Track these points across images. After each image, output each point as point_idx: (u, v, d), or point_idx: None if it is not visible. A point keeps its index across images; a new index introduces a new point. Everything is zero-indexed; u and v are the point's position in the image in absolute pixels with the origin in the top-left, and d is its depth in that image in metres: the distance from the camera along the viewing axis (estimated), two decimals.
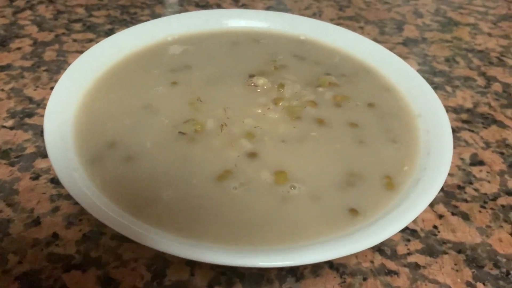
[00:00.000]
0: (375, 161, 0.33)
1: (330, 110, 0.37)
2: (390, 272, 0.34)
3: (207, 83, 0.39)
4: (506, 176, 0.43)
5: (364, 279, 0.34)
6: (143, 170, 0.31)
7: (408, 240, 0.37)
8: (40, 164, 0.41)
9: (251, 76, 0.40)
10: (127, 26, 0.62)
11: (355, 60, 0.44)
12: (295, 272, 0.33)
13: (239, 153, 0.33)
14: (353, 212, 0.29)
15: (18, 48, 0.56)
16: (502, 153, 0.46)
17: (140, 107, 0.36)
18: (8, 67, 0.53)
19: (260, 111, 0.36)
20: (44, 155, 0.42)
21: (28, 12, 0.64)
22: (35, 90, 0.49)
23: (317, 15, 0.69)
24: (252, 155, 0.33)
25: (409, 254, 0.36)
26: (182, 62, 0.42)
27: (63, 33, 0.60)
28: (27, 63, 0.54)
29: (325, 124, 0.36)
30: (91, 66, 0.39)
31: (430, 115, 0.36)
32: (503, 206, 0.40)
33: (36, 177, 0.39)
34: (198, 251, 0.25)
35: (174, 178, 0.30)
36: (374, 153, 0.34)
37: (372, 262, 0.35)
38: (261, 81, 0.38)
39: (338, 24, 0.66)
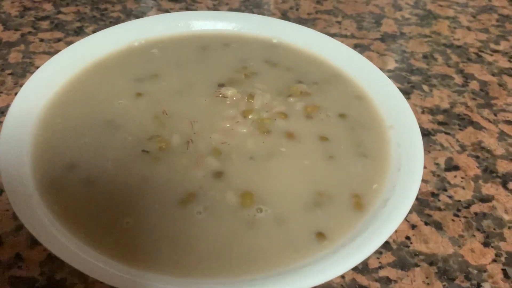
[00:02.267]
0: (344, 178, 0.32)
1: (301, 122, 0.36)
2: None
3: (174, 94, 0.38)
4: (481, 182, 0.43)
5: None
6: (103, 194, 0.30)
7: (380, 253, 0.36)
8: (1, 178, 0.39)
9: (221, 85, 0.39)
10: (97, 24, 0.60)
11: (328, 65, 0.43)
12: None
13: (205, 173, 0.31)
14: (320, 236, 0.29)
15: None
16: (477, 157, 0.46)
17: (102, 123, 0.35)
18: None
19: (228, 125, 0.35)
20: None
21: None
22: None
23: (294, 9, 0.67)
24: (218, 174, 0.32)
25: (380, 267, 0.35)
26: (148, 70, 0.40)
27: (30, 32, 0.57)
28: None
29: (295, 138, 0.35)
30: (53, 77, 0.37)
31: (402, 126, 0.35)
32: (476, 213, 0.40)
33: None
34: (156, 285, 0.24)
35: (135, 204, 0.29)
36: (343, 170, 0.33)
37: (343, 277, 0.34)
38: (230, 92, 0.37)
39: (315, 19, 0.65)
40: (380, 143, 0.35)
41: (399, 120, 0.36)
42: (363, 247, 0.26)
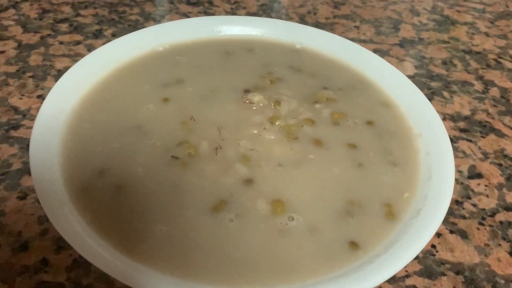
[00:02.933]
0: (375, 186, 0.32)
1: (328, 129, 0.36)
2: None
3: (200, 99, 0.37)
4: (505, 190, 0.43)
5: None
6: (135, 201, 0.30)
7: None
8: (27, 182, 0.39)
9: (246, 91, 0.39)
10: (116, 27, 0.60)
11: (352, 71, 0.42)
12: None
13: (234, 180, 0.31)
14: (353, 245, 0.28)
15: (2, 52, 0.54)
16: (500, 165, 0.45)
17: (130, 128, 0.34)
18: None
19: (256, 131, 0.35)
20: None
21: (12, 11, 0.61)
22: (20, 99, 0.48)
23: (311, 13, 0.67)
24: (248, 181, 0.31)
25: (407, 276, 0.35)
26: (174, 75, 0.40)
27: (49, 35, 0.57)
28: (12, 68, 0.52)
29: (323, 145, 0.35)
30: (79, 82, 0.37)
31: (431, 135, 0.35)
32: (501, 222, 0.40)
33: (23, 197, 0.38)
34: None
35: (167, 210, 0.29)
36: (373, 178, 0.33)
37: None
38: (256, 98, 0.37)
39: (333, 24, 0.64)
40: (409, 151, 0.35)
41: (427, 128, 0.36)
42: (398, 257, 0.26)
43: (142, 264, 0.26)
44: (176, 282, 0.25)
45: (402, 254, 0.26)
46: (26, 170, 0.40)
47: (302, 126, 0.36)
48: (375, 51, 0.60)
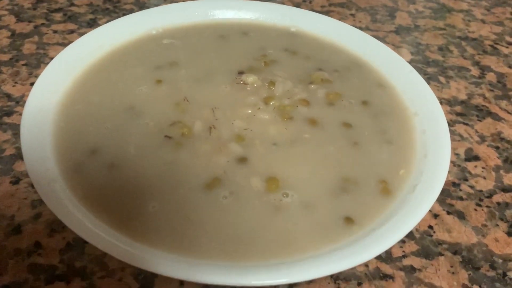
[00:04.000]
0: (370, 164, 0.32)
1: (323, 109, 0.36)
2: (385, 276, 0.33)
3: (194, 81, 0.37)
4: (502, 172, 0.43)
5: (359, 284, 0.33)
6: (127, 179, 0.29)
7: (403, 242, 0.36)
8: (20, 167, 0.39)
9: (240, 73, 0.38)
10: (110, 16, 0.59)
11: (347, 53, 0.42)
12: None
13: (228, 159, 0.31)
14: (349, 220, 0.28)
15: None
16: (497, 147, 0.45)
17: (123, 109, 0.34)
18: None
19: (250, 111, 0.35)
20: None
21: (5, 1, 0.61)
22: (14, 86, 0.47)
23: (307, 1, 0.67)
24: (242, 160, 0.31)
25: (404, 256, 0.35)
26: (167, 58, 0.40)
27: (43, 24, 0.57)
28: (5, 57, 0.51)
29: (318, 124, 0.34)
30: (71, 65, 0.37)
31: (426, 113, 0.35)
32: (498, 203, 0.40)
33: (16, 181, 0.38)
34: (184, 270, 0.24)
35: (160, 188, 0.29)
36: (368, 156, 0.32)
37: (367, 266, 0.34)
38: (250, 78, 0.37)
39: (329, 12, 0.64)
40: (405, 130, 0.34)
41: (423, 107, 0.35)
42: (394, 230, 0.26)
43: (134, 240, 0.26)
44: (170, 257, 0.25)
45: (398, 228, 0.26)
46: (19, 155, 0.40)
47: (297, 106, 0.36)
48: None
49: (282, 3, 0.65)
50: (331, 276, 0.33)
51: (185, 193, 0.29)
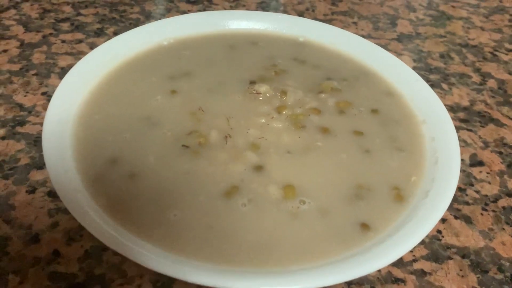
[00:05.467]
0: (382, 171, 0.33)
1: (334, 118, 0.37)
2: (397, 280, 0.34)
3: (207, 91, 0.38)
4: (506, 177, 0.44)
5: None
6: (148, 188, 0.30)
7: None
8: (35, 176, 0.39)
9: (252, 82, 0.39)
10: (117, 25, 0.60)
11: (355, 62, 0.43)
12: None
13: (245, 167, 0.32)
14: (364, 227, 0.29)
15: (5, 51, 0.54)
16: (500, 153, 0.46)
17: (140, 119, 0.35)
18: None
19: (263, 120, 0.35)
20: (39, 166, 0.40)
21: (13, 11, 0.62)
22: (25, 96, 0.48)
23: (310, 10, 0.68)
24: (258, 168, 0.32)
25: (414, 260, 0.36)
26: (181, 68, 0.40)
27: (51, 34, 0.58)
28: (15, 67, 0.52)
29: (330, 132, 0.35)
30: (86, 76, 0.38)
31: (434, 121, 0.36)
32: (504, 208, 0.41)
33: (32, 191, 0.38)
34: (205, 275, 0.25)
35: (181, 196, 0.30)
36: (380, 163, 0.33)
37: (379, 270, 0.35)
38: (263, 88, 0.38)
39: (331, 20, 0.65)
40: (414, 137, 0.35)
41: (431, 114, 0.37)
42: (410, 236, 0.27)
43: (159, 248, 0.27)
44: (191, 263, 0.26)
45: (414, 233, 0.27)
46: (33, 164, 0.40)
47: (309, 115, 0.36)
48: None
49: (286, 11, 0.66)
50: None
51: (205, 201, 0.30)
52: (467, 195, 0.42)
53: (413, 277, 0.35)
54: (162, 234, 0.28)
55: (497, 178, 0.44)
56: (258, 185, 0.31)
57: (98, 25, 0.60)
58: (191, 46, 0.43)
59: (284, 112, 0.36)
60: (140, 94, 0.37)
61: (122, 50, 0.41)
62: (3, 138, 0.43)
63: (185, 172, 0.31)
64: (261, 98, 0.37)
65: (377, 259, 0.26)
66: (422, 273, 0.35)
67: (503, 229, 0.39)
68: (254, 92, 0.37)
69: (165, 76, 0.39)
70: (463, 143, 0.47)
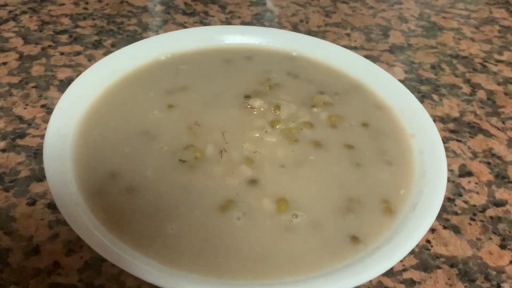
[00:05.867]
0: (372, 184, 0.34)
1: (326, 131, 0.38)
2: None
3: (203, 105, 0.39)
4: (494, 187, 0.45)
5: None
6: (146, 201, 0.31)
7: None
8: (35, 188, 0.40)
9: (247, 97, 0.40)
10: (115, 37, 0.61)
11: (346, 76, 0.44)
12: None
13: (240, 181, 0.33)
14: (355, 239, 0.30)
15: (4, 63, 0.55)
16: (489, 163, 0.48)
17: (138, 134, 0.36)
18: None
19: (258, 134, 0.37)
20: (39, 178, 0.41)
21: (12, 23, 0.63)
22: (25, 108, 0.49)
23: (304, 22, 0.69)
24: (253, 182, 0.33)
25: (404, 270, 0.37)
26: (177, 83, 0.42)
27: (50, 46, 0.59)
28: (15, 79, 0.53)
29: (322, 146, 0.36)
30: (86, 91, 0.39)
31: (423, 135, 0.37)
32: (491, 217, 0.42)
33: (32, 203, 0.39)
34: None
35: (178, 210, 0.31)
36: (370, 176, 0.35)
37: (369, 280, 0.36)
38: (257, 103, 0.39)
39: (325, 32, 0.67)
40: (403, 151, 0.37)
41: (419, 128, 0.38)
42: (399, 248, 0.28)
43: (157, 261, 0.28)
44: (187, 276, 0.27)
45: (402, 245, 0.28)
46: (34, 177, 0.41)
47: (302, 129, 0.38)
48: (366, 57, 0.61)
49: (280, 23, 0.68)
50: None
51: (201, 214, 0.31)
52: (455, 205, 0.43)
53: (403, 286, 0.36)
54: (159, 247, 0.29)
55: (485, 188, 0.45)
56: (253, 199, 0.32)
57: (96, 37, 0.61)
58: (187, 61, 0.44)
59: (277, 126, 0.37)
60: (138, 109, 0.38)
61: (121, 65, 0.42)
62: (4, 150, 0.44)
63: (181, 186, 0.32)
64: (255, 113, 0.39)
65: (367, 270, 0.27)
66: (411, 283, 0.36)
67: (490, 238, 0.40)
68: (249, 106, 0.39)
69: (163, 91, 0.40)
70: (453, 154, 0.48)
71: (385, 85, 0.42)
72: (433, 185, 0.32)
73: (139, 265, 0.26)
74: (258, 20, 0.68)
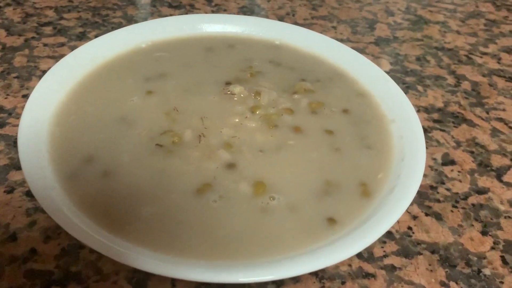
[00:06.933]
0: (351, 168, 0.34)
1: (306, 118, 0.38)
2: (368, 275, 0.35)
3: (183, 92, 0.39)
4: (476, 175, 0.45)
5: (343, 282, 0.34)
6: (121, 185, 0.31)
7: (384, 242, 0.38)
8: (14, 176, 0.40)
9: (228, 83, 0.40)
10: (99, 29, 0.61)
11: (329, 64, 0.44)
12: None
13: (217, 165, 0.33)
14: (331, 221, 0.30)
15: None
16: (472, 152, 0.48)
17: (115, 119, 0.36)
18: None
19: (237, 120, 0.36)
20: (18, 167, 0.41)
21: None
22: (6, 98, 0.48)
23: (290, 15, 0.69)
24: (230, 166, 0.33)
25: (385, 256, 0.37)
26: (157, 70, 0.41)
27: (33, 37, 0.58)
28: None
29: (302, 131, 0.36)
30: (64, 77, 0.38)
31: (403, 120, 0.37)
32: (473, 205, 0.42)
33: (10, 191, 0.39)
34: (177, 268, 0.25)
35: (153, 193, 0.30)
36: (349, 161, 0.34)
37: (350, 265, 0.36)
38: (237, 89, 0.38)
39: (311, 24, 0.67)
40: (383, 136, 0.37)
41: (400, 114, 0.38)
42: (374, 229, 0.28)
43: (130, 243, 0.27)
44: (163, 258, 0.27)
45: (377, 227, 0.28)
46: (12, 165, 0.41)
47: (282, 115, 0.37)
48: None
49: (267, 16, 0.67)
50: (316, 276, 0.34)
51: (177, 198, 0.30)
52: (438, 193, 0.43)
53: (383, 272, 0.36)
54: (134, 229, 0.28)
55: (468, 176, 0.45)
56: (230, 182, 0.32)
57: (81, 29, 0.61)
58: (168, 49, 0.44)
59: (257, 112, 0.37)
60: (116, 95, 0.38)
61: (101, 52, 0.42)
62: None
63: (158, 171, 0.32)
64: (235, 99, 0.38)
65: (342, 250, 0.27)
66: (392, 268, 0.36)
67: (472, 225, 0.40)
68: (229, 92, 0.38)
69: (142, 78, 0.40)
70: (436, 143, 0.48)
71: (366, 72, 0.42)
72: (411, 168, 0.32)
73: (113, 248, 0.26)
74: (244, 13, 0.68)
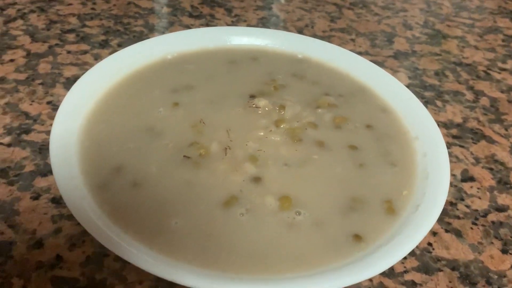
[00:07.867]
0: (375, 185, 0.34)
1: (330, 132, 0.38)
2: None
3: (208, 104, 0.39)
4: (496, 192, 0.45)
5: None
6: (151, 196, 0.31)
7: (405, 258, 0.38)
8: (40, 183, 0.41)
9: (252, 96, 0.41)
10: (121, 37, 0.62)
11: (351, 80, 0.45)
12: None
13: (243, 178, 0.33)
14: (357, 238, 0.30)
15: (11, 60, 0.56)
16: (491, 169, 0.48)
17: (143, 130, 0.36)
18: (2, 80, 0.52)
19: (262, 133, 0.37)
20: (43, 173, 0.42)
21: (20, 21, 0.63)
22: (31, 104, 0.49)
23: (309, 26, 0.70)
24: (256, 179, 0.33)
25: (405, 272, 0.37)
26: (182, 81, 0.42)
27: (57, 44, 0.59)
28: (22, 76, 0.53)
29: (326, 146, 0.37)
30: (92, 88, 0.39)
31: (427, 138, 0.37)
32: (493, 222, 0.42)
33: (36, 197, 0.39)
34: (208, 281, 0.26)
35: (182, 205, 0.31)
36: (373, 177, 0.35)
37: (371, 280, 0.36)
38: (262, 102, 0.39)
39: (330, 36, 0.67)
40: (407, 153, 0.37)
41: (423, 131, 0.38)
42: (399, 247, 0.28)
43: (160, 254, 0.28)
44: (192, 270, 0.27)
45: (403, 245, 0.28)
46: (38, 171, 0.42)
47: (306, 129, 0.38)
48: None
49: (286, 27, 0.68)
50: None
51: (205, 210, 0.31)
52: (458, 209, 0.43)
53: (404, 287, 0.36)
54: (163, 241, 0.29)
55: (487, 193, 0.45)
56: (256, 196, 0.32)
57: (103, 37, 0.62)
58: (193, 61, 0.45)
59: (282, 126, 0.38)
60: (143, 106, 0.39)
61: (127, 63, 0.43)
62: (9, 145, 0.44)
63: (186, 182, 0.32)
64: (260, 112, 0.39)
65: (368, 268, 0.27)
66: (412, 284, 0.36)
67: (492, 243, 0.40)
68: (254, 106, 0.39)
69: (168, 89, 0.41)
70: (455, 159, 0.48)
71: (389, 88, 0.43)
72: (436, 187, 0.32)
73: (142, 257, 0.26)
74: (263, 24, 0.69)
